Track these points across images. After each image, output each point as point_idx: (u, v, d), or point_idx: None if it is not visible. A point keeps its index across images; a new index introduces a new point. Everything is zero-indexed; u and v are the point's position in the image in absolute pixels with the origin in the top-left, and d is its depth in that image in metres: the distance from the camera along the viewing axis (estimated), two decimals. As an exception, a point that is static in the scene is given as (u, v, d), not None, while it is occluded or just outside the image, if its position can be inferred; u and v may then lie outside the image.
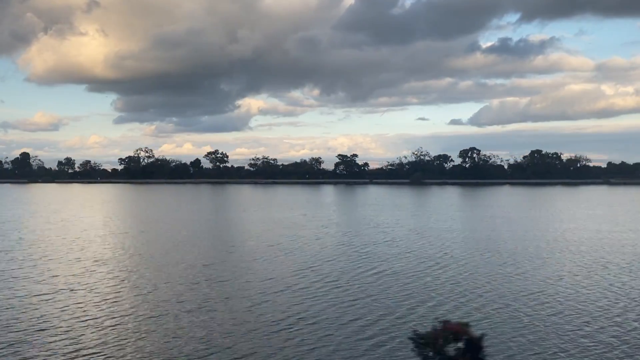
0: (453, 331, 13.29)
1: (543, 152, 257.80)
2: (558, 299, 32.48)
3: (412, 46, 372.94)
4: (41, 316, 28.01)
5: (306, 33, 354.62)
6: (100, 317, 27.94)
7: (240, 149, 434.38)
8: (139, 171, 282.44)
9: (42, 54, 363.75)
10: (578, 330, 26.44)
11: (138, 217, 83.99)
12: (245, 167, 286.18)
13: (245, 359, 22.47)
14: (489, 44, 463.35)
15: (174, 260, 44.53)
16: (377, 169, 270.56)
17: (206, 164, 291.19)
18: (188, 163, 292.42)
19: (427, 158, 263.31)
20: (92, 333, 25.34)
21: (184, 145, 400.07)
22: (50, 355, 22.54)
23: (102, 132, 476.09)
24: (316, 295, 33.10)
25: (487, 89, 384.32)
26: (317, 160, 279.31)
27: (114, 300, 31.52)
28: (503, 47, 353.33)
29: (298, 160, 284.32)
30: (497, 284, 36.48)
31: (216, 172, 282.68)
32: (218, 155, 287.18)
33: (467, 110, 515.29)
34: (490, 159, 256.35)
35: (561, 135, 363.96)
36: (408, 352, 23.00)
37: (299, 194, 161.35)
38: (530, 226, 69.76)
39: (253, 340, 24.59)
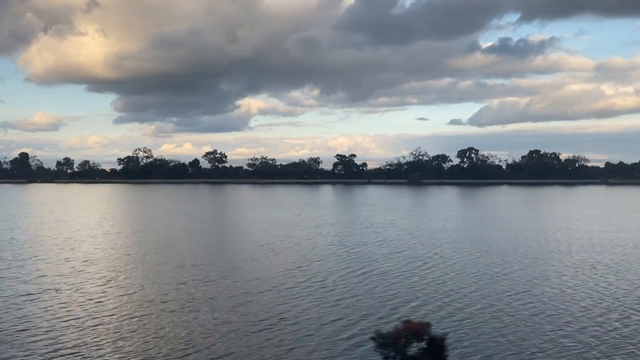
0: (414, 331, 13.32)
1: (541, 152, 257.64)
2: (542, 299, 32.52)
3: (412, 46, 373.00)
4: (24, 316, 28.07)
5: (306, 33, 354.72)
6: (82, 317, 27.99)
7: (240, 149, 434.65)
8: (138, 171, 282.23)
9: (42, 54, 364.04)
10: (559, 330, 26.48)
11: (132, 217, 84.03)
12: (244, 167, 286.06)
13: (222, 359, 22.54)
14: (488, 44, 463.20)
15: (164, 260, 44.58)
16: (376, 169, 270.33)
17: (205, 164, 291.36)
18: (187, 163, 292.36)
19: (425, 158, 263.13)
20: (72, 333, 25.39)
21: (184, 145, 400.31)
22: (28, 356, 22.60)
23: (102, 132, 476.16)
24: (301, 295, 33.15)
25: (487, 89, 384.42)
26: (316, 161, 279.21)
27: (98, 300, 31.57)
28: (503, 47, 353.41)
29: (297, 161, 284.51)
30: (483, 284, 36.52)
31: (215, 172, 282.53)
32: (217, 156, 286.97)
33: (467, 110, 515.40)
34: (489, 159, 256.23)
35: (561, 135, 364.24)
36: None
37: (297, 194, 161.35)
38: (523, 226, 69.78)
39: (232, 340, 24.64)
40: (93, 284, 36.01)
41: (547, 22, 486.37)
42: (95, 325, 26.58)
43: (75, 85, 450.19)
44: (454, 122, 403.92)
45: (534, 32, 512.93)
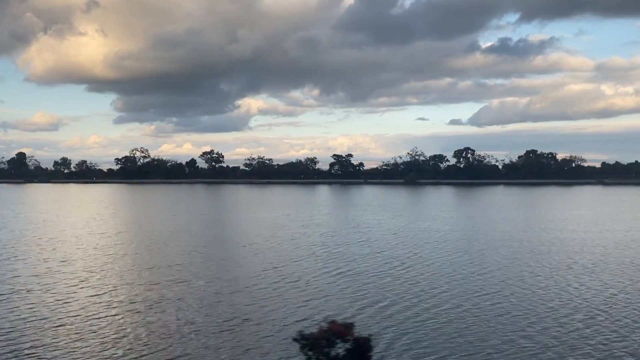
0: (336, 331, 13.34)
1: (538, 152, 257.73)
2: (511, 299, 32.54)
3: (412, 46, 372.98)
4: (-12, 317, 28.10)
5: (306, 33, 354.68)
6: (47, 318, 27.98)
7: (240, 149, 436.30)
8: (135, 171, 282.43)
9: (41, 54, 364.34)
10: (520, 331, 26.49)
11: (121, 218, 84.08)
12: (241, 167, 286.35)
13: (177, 360, 22.58)
14: (488, 44, 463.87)
15: (141, 261, 44.64)
16: (372, 169, 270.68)
17: (202, 164, 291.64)
18: (184, 163, 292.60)
19: (422, 158, 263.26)
20: (32, 334, 25.40)
21: (183, 145, 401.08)
22: (-17, 356, 22.64)
23: (102, 132, 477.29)
24: (271, 296, 33.16)
25: (486, 89, 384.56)
26: (313, 161, 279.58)
27: (66, 301, 31.58)
28: (503, 47, 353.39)
29: (295, 160, 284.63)
30: (455, 284, 36.54)
31: (212, 172, 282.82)
32: (214, 155, 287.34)
33: (466, 110, 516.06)
34: (485, 159, 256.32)
35: (561, 135, 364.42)
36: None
37: (291, 194, 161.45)
38: (509, 226, 69.81)
39: (191, 341, 24.67)
40: (66, 284, 36.02)
41: (547, 22, 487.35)
42: (57, 326, 26.59)
43: (75, 85, 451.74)
44: (454, 122, 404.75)
45: (534, 32, 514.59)
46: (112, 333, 25.66)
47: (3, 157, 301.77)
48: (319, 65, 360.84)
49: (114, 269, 41.19)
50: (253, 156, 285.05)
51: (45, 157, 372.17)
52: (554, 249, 50.81)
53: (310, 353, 13.36)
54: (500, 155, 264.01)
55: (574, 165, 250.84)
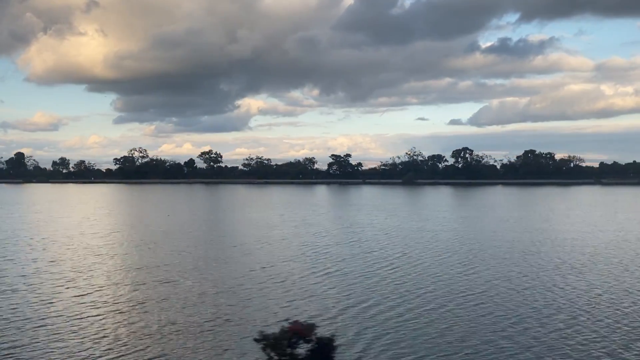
0: (296, 332, 13.34)
1: (537, 152, 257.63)
2: (495, 299, 32.53)
3: (412, 46, 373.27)
4: (-30, 317, 28.10)
5: (306, 33, 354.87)
6: (28, 319, 27.97)
7: (240, 149, 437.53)
8: (133, 171, 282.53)
9: (41, 54, 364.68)
10: (500, 331, 26.48)
11: (115, 218, 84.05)
12: (239, 167, 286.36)
13: (154, 360, 22.58)
14: (488, 44, 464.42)
15: (130, 261, 44.64)
16: (371, 169, 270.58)
17: (200, 164, 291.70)
18: (182, 163, 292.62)
19: (420, 158, 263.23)
20: (12, 334, 25.40)
21: (183, 145, 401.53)
22: (-40, 356, 22.64)
23: (101, 132, 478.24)
24: (254, 296, 33.16)
25: (486, 89, 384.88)
26: (311, 160, 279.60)
27: (50, 301, 31.57)
28: (502, 47, 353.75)
29: (293, 160, 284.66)
30: (441, 284, 36.54)
31: (210, 172, 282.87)
32: (212, 155, 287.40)
33: (466, 110, 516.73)
34: (483, 159, 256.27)
35: (560, 136, 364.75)
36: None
37: (288, 194, 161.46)
38: (501, 227, 69.80)
39: (170, 342, 24.66)
40: (52, 284, 36.01)
41: (547, 22, 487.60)
42: (38, 327, 26.57)
43: (75, 85, 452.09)
44: (454, 122, 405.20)
45: (534, 32, 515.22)
46: (92, 333, 25.66)
47: (2, 157, 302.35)
48: (318, 65, 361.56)
49: (102, 269, 41.19)
50: (252, 156, 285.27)
51: (45, 157, 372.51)
52: (544, 249, 50.80)
53: (271, 353, 13.37)
54: (500, 156, 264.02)
55: (572, 165, 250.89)
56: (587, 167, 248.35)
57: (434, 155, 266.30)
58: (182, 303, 31.38)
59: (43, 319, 28.01)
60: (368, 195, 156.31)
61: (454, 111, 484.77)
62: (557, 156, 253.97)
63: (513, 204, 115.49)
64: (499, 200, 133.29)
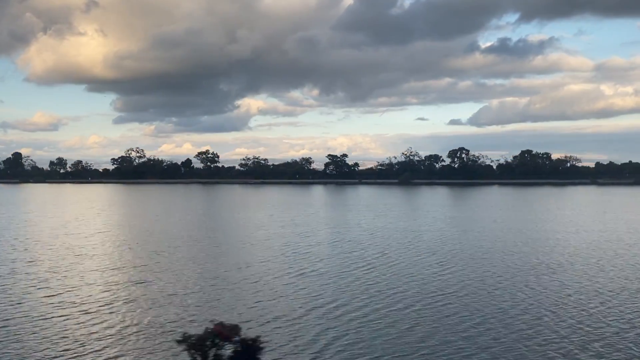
0: (219, 333, 13.38)
1: (533, 152, 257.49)
2: (464, 299, 32.56)
3: (412, 46, 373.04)
4: None
5: (305, 33, 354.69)
6: (-8, 319, 28.05)
7: (240, 149, 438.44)
8: (131, 171, 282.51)
9: (41, 54, 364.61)
10: (462, 332, 26.50)
11: (103, 218, 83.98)
12: (236, 167, 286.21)
13: (109, 361, 22.62)
14: (488, 44, 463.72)
15: (108, 262, 44.68)
16: (367, 169, 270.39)
17: (197, 164, 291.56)
18: (179, 163, 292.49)
19: (416, 158, 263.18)
20: (-28, 335, 25.46)
21: (183, 145, 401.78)
22: None
23: (101, 132, 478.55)
24: (223, 297, 33.20)
25: (486, 89, 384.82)
26: (308, 160, 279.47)
27: (19, 302, 31.58)
28: (502, 47, 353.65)
29: (289, 160, 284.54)
30: (414, 284, 36.56)
31: (207, 172, 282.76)
32: (209, 155, 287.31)
33: (466, 110, 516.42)
34: (479, 159, 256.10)
35: (560, 136, 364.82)
36: (280, 356, 23.22)
37: (283, 195, 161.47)
38: (487, 227, 69.81)
39: (128, 343, 24.68)
40: (24, 285, 36.04)
41: (547, 22, 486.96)
42: None
43: (75, 85, 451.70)
44: (454, 122, 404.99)
45: (533, 32, 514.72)
46: (52, 334, 25.69)
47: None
48: (318, 65, 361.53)
49: (77, 270, 41.22)
50: (249, 156, 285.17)
51: (45, 157, 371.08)
52: (525, 250, 50.81)
53: (194, 355, 13.40)
54: (500, 156, 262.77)
55: (568, 165, 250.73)
56: (583, 167, 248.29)
57: (430, 156, 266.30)
58: (150, 304, 31.42)
59: (7, 319, 28.04)
60: (363, 195, 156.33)
61: (453, 111, 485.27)
62: (554, 156, 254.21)
63: (505, 205, 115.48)
64: (493, 200, 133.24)
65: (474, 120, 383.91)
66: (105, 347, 24.02)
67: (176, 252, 49.51)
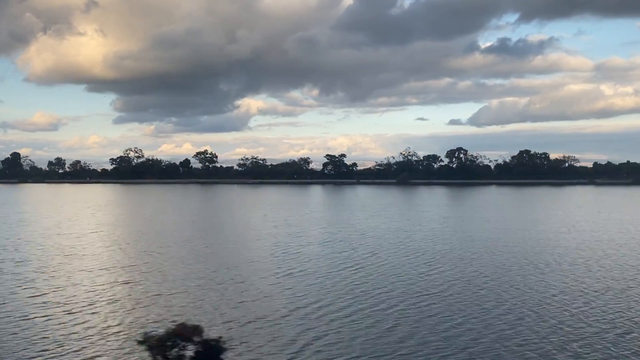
0: (179, 334, 13.39)
1: (532, 152, 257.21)
2: (449, 300, 32.56)
3: (411, 46, 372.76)
4: None
5: (305, 33, 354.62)
6: (-26, 319, 28.08)
7: (239, 149, 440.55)
8: (129, 171, 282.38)
9: (41, 54, 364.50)
10: (443, 332, 26.53)
11: (96, 218, 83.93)
12: (235, 167, 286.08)
13: (87, 361, 22.65)
14: (488, 44, 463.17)
15: (97, 262, 44.69)
16: (366, 169, 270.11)
17: (196, 164, 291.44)
18: (178, 163, 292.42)
19: (414, 158, 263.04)
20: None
21: (183, 146, 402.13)
22: None
23: (101, 132, 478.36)
24: (208, 297, 33.21)
25: (486, 89, 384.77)
26: (306, 160, 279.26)
27: (3, 302, 31.59)
28: (502, 47, 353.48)
29: (288, 160, 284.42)
30: (400, 284, 36.58)
31: (205, 172, 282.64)
32: (207, 155, 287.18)
33: (466, 110, 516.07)
34: (477, 159, 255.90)
35: (560, 136, 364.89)
36: (257, 356, 23.24)
37: (280, 195, 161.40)
38: (480, 227, 69.79)
39: (106, 344, 24.67)
40: (11, 285, 36.08)
41: (546, 22, 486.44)
42: (-20, 327, 26.67)
43: (75, 85, 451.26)
44: (454, 122, 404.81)
45: (533, 32, 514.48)
46: (32, 335, 25.72)
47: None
48: (318, 66, 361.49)
49: (65, 270, 41.24)
50: (247, 156, 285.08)
51: (45, 158, 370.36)
52: (515, 250, 50.81)
53: (155, 355, 13.43)
54: (498, 156, 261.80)
55: (566, 165, 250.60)
56: (581, 167, 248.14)
57: (429, 156, 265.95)
58: (134, 304, 31.45)
59: (-11, 320, 28.06)
60: (359, 195, 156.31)
61: (453, 111, 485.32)
62: (552, 156, 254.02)
63: (501, 205, 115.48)
64: (489, 200, 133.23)
65: (473, 121, 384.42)
66: (83, 347, 24.04)
67: (166, 252, 49.52)
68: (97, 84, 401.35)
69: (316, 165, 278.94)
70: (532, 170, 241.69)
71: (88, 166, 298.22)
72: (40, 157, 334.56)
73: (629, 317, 28.86)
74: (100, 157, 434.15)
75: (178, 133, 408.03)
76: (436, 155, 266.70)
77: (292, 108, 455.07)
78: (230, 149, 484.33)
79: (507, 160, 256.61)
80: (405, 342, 24.97)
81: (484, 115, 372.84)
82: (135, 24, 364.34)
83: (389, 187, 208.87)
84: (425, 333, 26.29)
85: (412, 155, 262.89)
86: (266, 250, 51.30)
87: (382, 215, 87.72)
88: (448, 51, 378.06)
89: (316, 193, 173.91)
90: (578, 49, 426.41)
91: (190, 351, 13.43)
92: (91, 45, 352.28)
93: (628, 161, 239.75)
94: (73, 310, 30.01)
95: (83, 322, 27.82)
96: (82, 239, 59.09)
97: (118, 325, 27.43)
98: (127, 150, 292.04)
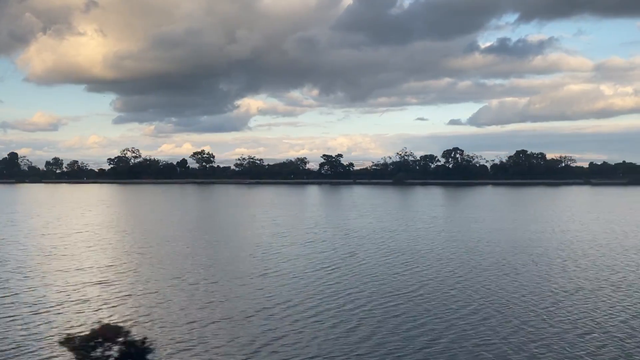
0: (103, 335, 13.46)
1: (528, 152, 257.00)
2: (417, 300, 32.61)
3: (411, 46, 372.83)
4: None
5: (305, 33, 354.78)
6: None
7: (239, 149, 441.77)
8: (126, 171, 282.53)
9: (40, 54, 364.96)
10: (404, 332, 26.57)
11: (85, 218, 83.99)
12: (232, 167, 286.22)
13: (42, 362, 22.71)
14: (487, 44, 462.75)
15: (76, 262, 44.74)
16: (362, 169, 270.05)
17: (193, 164, 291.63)
18: (175, 163, 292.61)
19: (411, 158, 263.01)
20: None
21: (183, 146, 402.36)
22: None
23: (101, 132, 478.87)
24: (178, 297, 33.25)
25: (486, 89, 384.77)
26: (303, 161, 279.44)
27: (-27, 302, 31.72)
28: (502, 47, 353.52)
29: (285, 160, 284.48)
30: (372, 284, 36.65)
31: (202, 172, 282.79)
32: (204, 156, 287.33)
33: (466, 110, 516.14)
34: (474, 159, 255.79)
35: (560, 136, 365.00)
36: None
37: (275, 195, 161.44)
38: (466, 227, 69.79)
39: (54, 346, 24.70)
40: (-16, 285, 36.17)
41: (546, 22, 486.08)
42: (-57, 328, 26.74)
43: (74, 85, 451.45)
44: (453, 122, 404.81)
45: (533, 32, 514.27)
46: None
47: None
48: (318, 66, 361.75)
49: (41, 271, 41.28)
50: (244, 156, 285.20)
51: (45, 158, 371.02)
52: (496, 250, 50.85)
53: (78, 356, 13.49)
54: (499, 156, 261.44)
55: (563, 165, 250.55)
56: (577, 167, 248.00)
57: (425, 156, 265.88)
58: (102, 305, 31.51)
59: (-45, 320, 28.12)
60: (354, 195, 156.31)
61: (453, 111, 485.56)
62: (548, 156, 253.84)
63: (493, 205, 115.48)
64: (483, 200, 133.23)
65: (473, 121, 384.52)
66: (40, 348, 24.08)
67: (146, 253, 49.58)
68: (97, 84, 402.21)
69: (314, 166, 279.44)
70: (528, 170, 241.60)
71: (85, 166, 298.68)
72: (39, 157, 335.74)
73: (592, 317, 28.91)
74: (100, 157, 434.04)
75: (178, 133, 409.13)
76: (433, 155, 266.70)
77: (292, 108, 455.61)
78: (230, 149, 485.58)
79: (504, 161, 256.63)
80: (364, 343, 25.02)
81: (483, 115, 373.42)
82: (135, 24, 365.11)
83: (385, 187, 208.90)
84: (386, 333, 26.34)
85: (408, 155, 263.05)
86: (247, 250, 51.36)
87: (371, 215, 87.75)
88: (448, 51, 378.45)
89: (311, 193, 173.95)
90: (578, 49, 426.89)
91: (114, 352, 13.51)
92: (91, 45, 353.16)
93: (624, 161, 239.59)
94: (40, 311, 30.05)
95: (47, 323, 27.87)
96: (65, 239, 59.16)
97: (81, 326, 27.36)
98: (124, 150, 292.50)
